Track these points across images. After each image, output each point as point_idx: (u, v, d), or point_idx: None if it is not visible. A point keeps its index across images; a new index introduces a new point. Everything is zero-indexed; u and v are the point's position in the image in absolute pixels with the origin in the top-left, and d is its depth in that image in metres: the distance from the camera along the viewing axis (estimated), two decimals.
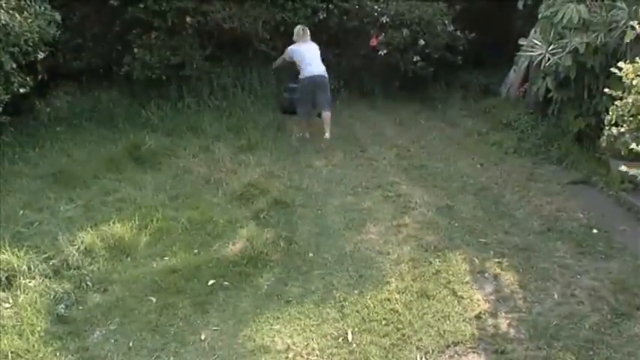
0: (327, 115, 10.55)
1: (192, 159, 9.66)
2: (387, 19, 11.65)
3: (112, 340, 6.29)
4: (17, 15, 9.18)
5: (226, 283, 6.96)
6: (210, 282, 7.00)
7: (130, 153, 9.55)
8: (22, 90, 9.54)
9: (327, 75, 10.69)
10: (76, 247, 7.44)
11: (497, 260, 7.39)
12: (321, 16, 11.86)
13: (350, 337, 6.36)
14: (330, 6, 11.91)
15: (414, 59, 11.46)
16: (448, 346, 6.26)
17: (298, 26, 11.07)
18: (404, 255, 7.50)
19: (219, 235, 7.86)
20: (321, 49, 11.19)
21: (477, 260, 7.40)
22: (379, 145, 10.07)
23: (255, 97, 11.24)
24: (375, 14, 11.76)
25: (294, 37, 10.93)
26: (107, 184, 8.92)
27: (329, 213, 8.39)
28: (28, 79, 9.64)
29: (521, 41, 9.80)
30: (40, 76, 10.35)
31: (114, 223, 7.83)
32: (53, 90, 11.11)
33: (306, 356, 6.18)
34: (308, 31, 10.97)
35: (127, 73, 11.06)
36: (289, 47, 10.88)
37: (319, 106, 10.65)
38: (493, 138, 10.35)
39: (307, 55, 10.72)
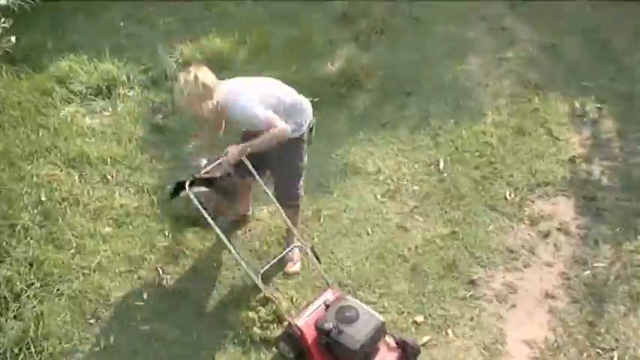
0: None
1: None
2: None
3: None
4: None
5: (322, 101, 6.95)
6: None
7: None
8: None
9: None
10: (175, 59, 7.54)
11: (597, 105, 7.23)
12: None
13: (442, 165, 6.40)
14: None
15: None
16: (539, 185, 6.28)
17: None
18: (503, 89, 7.39)
19: (318, 54, 7.81)
20: None
21: (577, 103, 7.24)
22: None
23: None
24: None
25: None
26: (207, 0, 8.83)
27: (431, 41, 8.17)
28: None
29: None
30: None
31: (213, 37, 7.85)
32: None
33: (396, 180, 6.27)
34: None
35: None
36: None
37: None
38: None
39: None
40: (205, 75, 4.83)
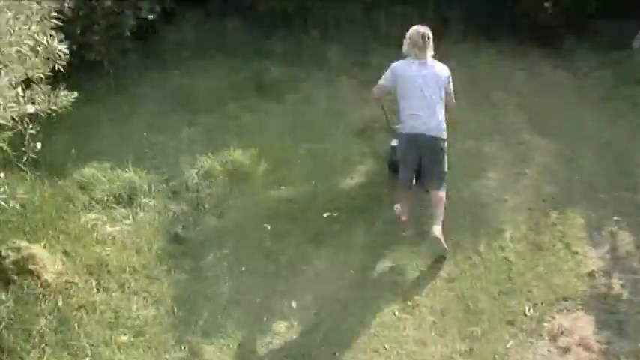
0: (436, 196, 6.74)
1: (314, 91, 9.63)
2: None
3: (225, 263, 6.52)
4: None
5: (342, 216, 7.03)
6: (326, 214, 7.09)
7: (253, 82, 9.61)
8: (150, 16, 9.70)
9: (441, 134, 6.77)
10: (196, 170, 7.67)
11: (615, 219, 7.20)
12: None
13: (459, 279, 6.37)
14: None
15: (545, 5, 11.03)
16: (558, 300, 6.24)
17: (414, 28, 6.82)
18: (521, 204, 7.40)
19: (338, 168, 7.90)
20: None
21: (594, 216, 7.22)
22: (503, 90, 9.81)
23: (381, 34, 10.94)
24: None
25: (404, 48, 6.86)
26: (229, 111, 8.99)
27: (449, 155, 8.19)
28: (156, 5, 9.81)
29: None
30: (167, 3, 10.44)
31: (234, 149, 7.97)
32: (180, 17, 11.18)
33: (412, 292, 6.23)
34: (430, 39, 6.72)
35: (254, 3, 11.06)
36: (392, 65, 6.91)
37: (426, 179, 7.01)
38: (622, 92, 9.87)
39: (414, 94, 6.69)
40: None
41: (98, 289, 6.19)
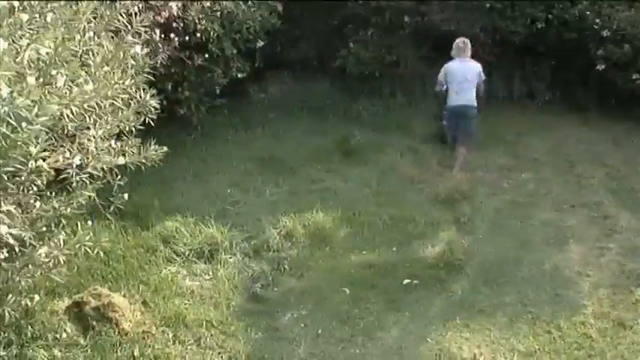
0: (460, 150, 9.60)
1: (399, 157, 9.73)
2: (608, 33, 11.13)
3: (302, 325, 6.47)
4: (242, 3, 9.60)
5: (421, 284, 6.98)
6: (405, 281, 7.05)
7: (339, 145, 9.75)
8: (239, 75, 10.01)
9: (473, 105, 9.62)
10: (278, 230, 7.73)
11: None
12: (540, 26, 11.50)
13: (537, 354, 6.21)
14: (550, 16, 11.53)
15: (634, 77, 10.91)
16: None
17: (458, 39, 9.86)
18: (604, 279, 7.20)
19: (419, 235, 7.89)
20: (537, 59, 10.84)
21: None
22: (589, 162, 9.69)
23: None
24: (596, 27, 11.26)
25: (452, 52, 9.80)
26: (314, 174, 9.17)
27: (531, 226, 8.19)
28: (246, 65, 10.08)
29: None
30: (256, 64, 10.70)
31: (317, 211, 8.04)
32: (268, 77, 11.43)
33: None
34: (469, 45, 9.77)
35: (341, 67, 11.26)
36: (444, 66, 9.83)
37: (458, 135, 9.74)
38: None
39: (456, 80, 9.66)
40: None
41: (174, 342, 6.22)
